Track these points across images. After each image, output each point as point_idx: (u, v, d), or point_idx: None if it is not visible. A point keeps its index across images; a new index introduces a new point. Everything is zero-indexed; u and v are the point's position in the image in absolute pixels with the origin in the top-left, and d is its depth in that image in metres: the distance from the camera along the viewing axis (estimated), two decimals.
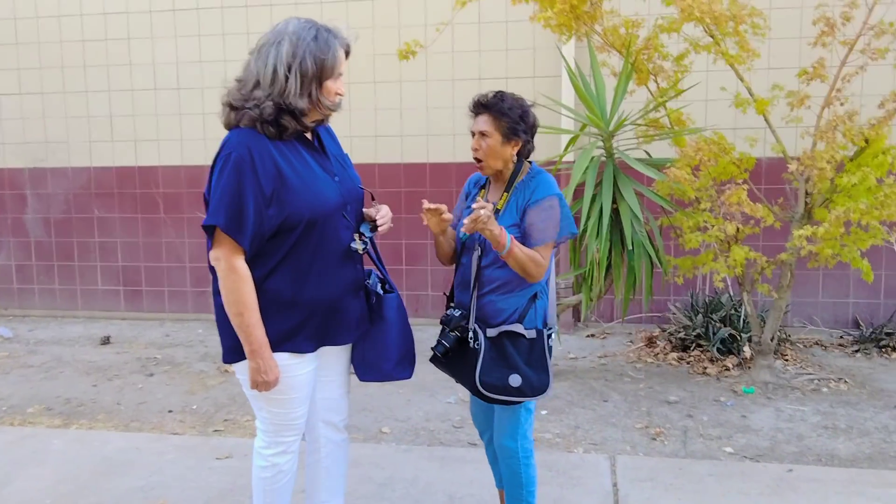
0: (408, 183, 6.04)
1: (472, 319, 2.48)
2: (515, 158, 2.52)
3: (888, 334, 5.30)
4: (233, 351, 2.29)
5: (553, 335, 2.56)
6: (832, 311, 5.69)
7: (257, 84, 2.16)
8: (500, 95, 2.50)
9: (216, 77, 6.17)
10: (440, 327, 2.54)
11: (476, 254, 2.50)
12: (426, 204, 2.38)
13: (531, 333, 2.46)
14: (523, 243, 2.39)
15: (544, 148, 5.57)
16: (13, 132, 6.64)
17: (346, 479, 2.64)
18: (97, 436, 3.93)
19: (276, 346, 2.23)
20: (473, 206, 2.27)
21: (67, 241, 6.67)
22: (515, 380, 2.41)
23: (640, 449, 3.65)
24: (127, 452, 3.68)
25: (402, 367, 2.48)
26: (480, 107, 2.49)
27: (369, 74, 5.98)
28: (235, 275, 2.16)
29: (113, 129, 6.47)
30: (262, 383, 2.25)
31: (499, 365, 2.42)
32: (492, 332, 2.45)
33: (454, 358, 2.50)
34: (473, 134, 2.50)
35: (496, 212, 2.49)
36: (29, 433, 3.97)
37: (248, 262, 2.18)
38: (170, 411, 4.32)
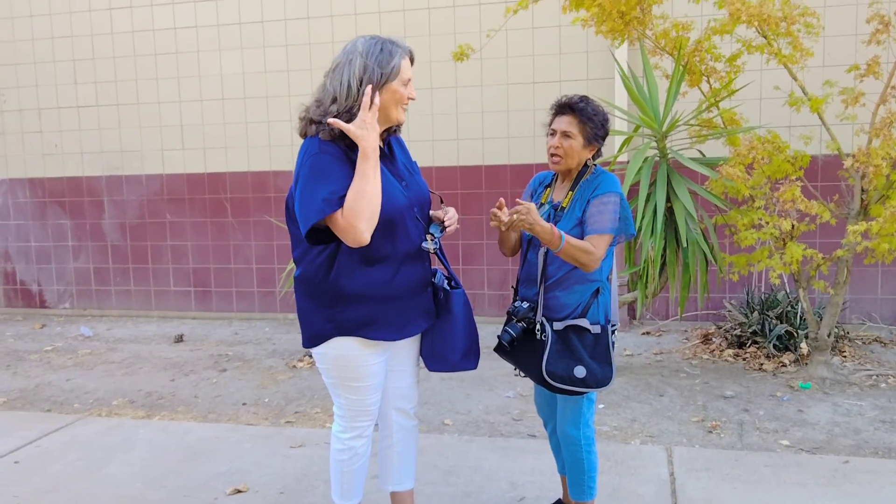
0: (464, 185, 6.21)
1: (539, 312, 2.62)
2: (590, 162, 2.65)
3: None
4: (311, 339, 2.49)
5: (616, 330, 2.68)
6: (891, 308, 5.66)
7: (334, 100, 2.35)
8: (586, 100, 2.62)
9: (280, 86, 6.54)
10: (498, 324, 2.69)
11: (542, 250, 2.64)
12: (501, 204, 2.49)
13: (596, 329, 2.59)
14: (581, 234, 2.53)
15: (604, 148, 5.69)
16: (91, 142, 7.03)
17: (416, 463, 2.82)
18: (178, 426, 4.20)
19: (354, 331, 2.42)
20: (516, 208, 2.40)
21: (142, 244, 7.03)
22: (580, 371, 2.55)
23: (697, 441, 3.75)
24: (207, 441, 3.93)
25: (468, 358, 2.64)
26: (567, 108, 2.61)
27: (426, 80, 6.17)
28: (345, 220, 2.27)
29: (184, 137, 6.81)
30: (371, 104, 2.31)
31: (565, 356, 2.56)
32: (558, 326, 2.59)
33: (519, 348, 2.65)
34: (554, 133, 2.62)
35: (562, 209, 2.64)
36: (116, 423, 4.26)
37: (328, 258, 2.38)
38: (244, 404, 4.57)
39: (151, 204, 6.96)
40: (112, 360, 5.67)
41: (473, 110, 6.18)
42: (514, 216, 2.41)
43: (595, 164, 2.67)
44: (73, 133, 7.06)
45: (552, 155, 2.61)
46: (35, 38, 7.04)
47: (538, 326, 2.58)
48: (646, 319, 6.12)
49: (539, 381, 2.59)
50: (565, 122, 2.57)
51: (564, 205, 2.63)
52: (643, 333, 5.90)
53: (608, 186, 2.58)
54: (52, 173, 7.14)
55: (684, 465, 3.43)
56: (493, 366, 4.85)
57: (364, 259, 2.43)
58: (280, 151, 6.59)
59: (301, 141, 2.45)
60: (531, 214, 2.41)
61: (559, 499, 2.95)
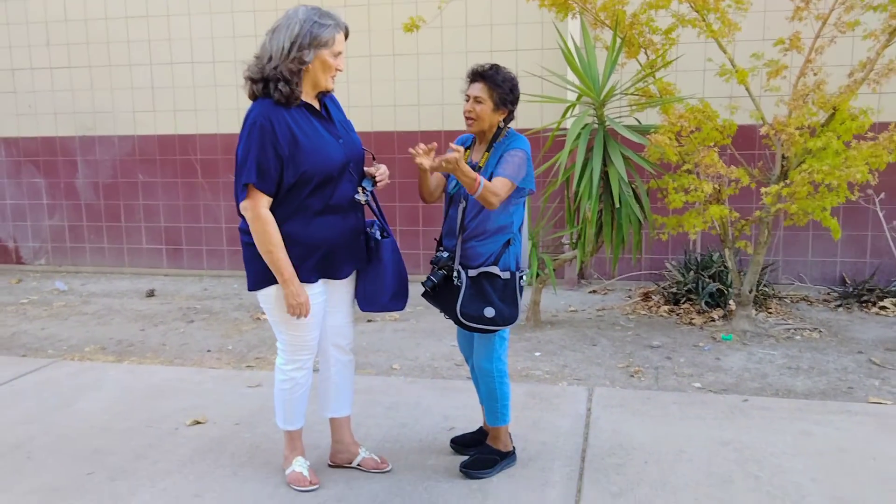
0: (401, 150, 6.48)
1: (456, 261, 2.95)
2: (502, 124, 2.95)
3: (870, 290, 5.67)
4: (255, 282, 2.81)
5: (524, 277, 3.02)
6: (820, 270, 6.06)
7: (270, 59, 2.65)
8: (495, 68, 2.92)
9: (249, 50, 6.69)
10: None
11: (461, 206, 2.97)
12: (420, 146, 2.78)
13: (506, 274, 2.92)
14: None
15: (550, 115, 6.00)
16: (64, 103, 7.23)
17: (352, 394, 3.16)
18: (146, 369, 4.52)
19: None
20: (447, 155, 2.69)
21: (115, 203, 7.28)
22: (490, 311, 2.89)
23: (618, 383, 4.13)
24: (172, 382, 4.26)
25: (396, 300, 2.98)
26: (477, 75, 2.91)
27: (388, 47, 6.42)
28: (261, 221, 2.67)
29: (154, 99, 7.03)
30: (297, 305, 2.73)
31: (477, 299, 2.90)
32: (472, 273, 2.92)
33: (441, 293, 2.98)
34: (468, 98, 2.93)
35: (478, 168, 2.95)
36: (88, 366, 4.58)
37: (270, 209, 2.69)
38: (208, 351, 4.89)
39: (124, 164, 7.20)
40: (85, 312, 5.97)
41: (434, 77, 6.44)
42: (444, 163, 2.67)
43: (509, 128, 2.98)
44: (47, 94, 7.25)
45: (467, 118, 2.92)
46: (8, 0, 7.19)
47: (455, 273, 2.91)
48: (593, 279, 6.49)
49: (456, 321, 2.93)
50: (477, 89, 2.88)
51: (481, 164, 2.95)
52: (590, 292, 6.27)
53: (518, 144, 2.90)
54: (27, 133, 7.35)
55: (601, 402, 3.81)
56: (444, 319, 5.21)
57: (302, 210, 2.74)
58: None
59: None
60: (458, 162, 2.69)
61: (480, 426, 3.32)
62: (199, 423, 3.66)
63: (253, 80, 2.70)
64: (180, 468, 3.19)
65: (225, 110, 6.89)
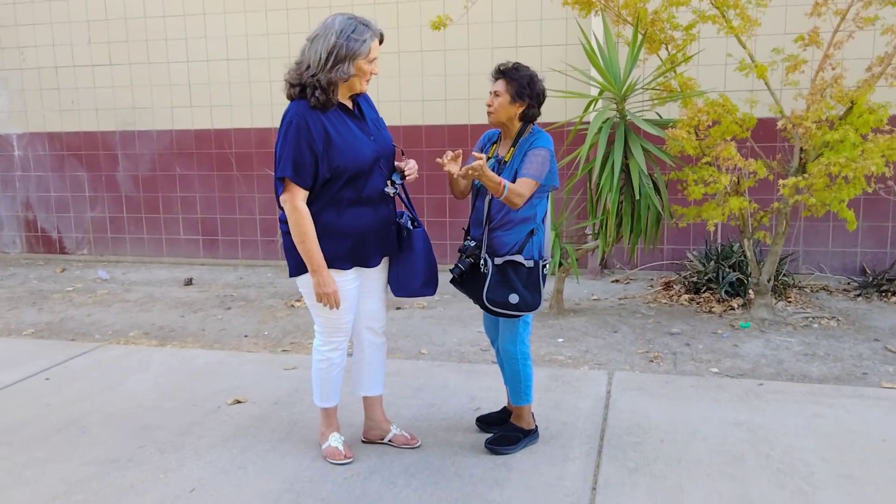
0: (451, 143, 6.68)
1: (483, 250, 3.14)
2: (520, 118, 3.13)
3: (889, 280, 5.76)
4: (295, 268, 3.02)
5: (547, 265, 3.20)
6: (841, 260, 6.15)
7: (308, 67, 2.85)
8: (515, 65, 3.12)
9: (281, 48, 6.99)
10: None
11: (488, 198, 3.15)
12: (448, 154, 3.00)
13: (529, 263, 3.11)
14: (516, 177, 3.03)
15: (574, 110, 6.15)
16: (105, 99, 7.53)
17: (384, 374, 3.37)
18: (187, 353, 4.77)
19: (330, 263, 2.94)
20: (471, 163, 2.90)
21: (153, 195, 7.57)
22: (514, 298, 3.07)
23: (638, 368, 4.29)
24: (212, 365, 4.50)
25: (427, 286, 3.17)
26: (499, 73, 3.13)
27: (416, 44, 6.61)
28: (298, 213, 2.88)
29: (191, 95, 7.29)
30: (325, 295, 2.95)
31: (502, 286, 3.09)
32: (498, 261, 3.11)
33: (468, 280, 3.17)
34: (491, 94, 3.14)
35: (504, 162, 3.14)
36: (133, 350, 4.84)
37: (308, 201, 2.90)
38: (245, 336, 5.14)
39: (162, 158, 7.48)
40: (128, 300, 6.25)
41: (460, 73, 6.62)
42: (470, 171, 2.89)
43: (534, 125, 3.16)
44: (89, 90, 7.55)
45: (487, 111, 3.12)
46: (52, 0, 7.49)
47: (482, 261, 3.10)
48: (616, 269, 6.64)
49: (482, 306, 3.12)
50: (496, 85, 3.08)
51: (507, 159, 3.13)
52: (612, 281, 6.43)
53: (542, 143, 3.08)
54: (70, 128, 7.66)
55: (621, 385, 3.98)
56: (470, 307, 5.42)
57: (336, 202, 2.95)
58: (281, 110, 6.92)
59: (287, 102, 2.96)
60: (483, 169, 2.90)
61: (504, 406, 3.51)
62: (239, 402, 3.89)
63: (291, 84, 2.91)
64: (224, 443, 3.42)
65: (259, 105, 7.13)
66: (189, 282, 6.77)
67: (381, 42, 2.94)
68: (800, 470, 3.03)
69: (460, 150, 3.03)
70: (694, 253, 6.12)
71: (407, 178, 3.07)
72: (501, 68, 3.09)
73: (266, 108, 7.11)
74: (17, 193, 7.95)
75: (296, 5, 6.88)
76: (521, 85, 3.06)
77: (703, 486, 2.91)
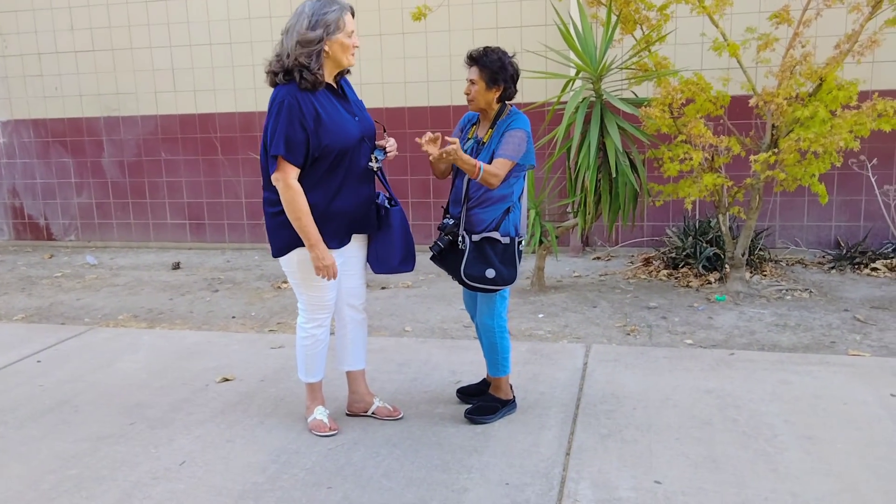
0: (434, 125, 6.77)
1: (461, 227, 3.25)
2: (498, 100, 3.23)
3: (862, 252, 5.91)
4: (280, 249, 3.12)
5: (523, 242, 3.31)
6: (816, 234, 6.30)
7: (289, 55, 2.94)
8: (485, 51, 3.21)
9: (264, 32, 7.05)
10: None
11: (466, 178, 3.25)
12: (427, 135, 3.10)
13: (505, 239, 3.22)
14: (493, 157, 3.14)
15: (554, 89, 6.25)
16: (89, 85, 7.56)
17: (366, 349, 3.48)
18: (176, 334, 4.87)
19: None
20: (446, 148, 3.01)
21: (139, 181, 7.63)
22: (490, 273, 3.19)
23: (615, 341, 4.43)
24: (201, 345, 4.61)
25: (405, 263, 3.28)
26: (471, 59, 3.22)
27: (398, 26, 6.67)
28: (291, 190, 2.96)
29: (175, 80, 7.34)
30: (323, 268, 3.03)
31: (479, 262, 3.20)
32: (476, 238, 3.22)
33: (447, 256, 3.28)
34: (467, 81, 3.23)
35: (483, 143, 3.24)
36: (123, 332, 4.94)
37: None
38: (233, 317, 5.24)
39: (147, 143, 7.53)
40: (116, 284, 6.33)
41: (442, 54, 6.69)
42: (444, 155, 3.00)
43: (511, 106, 3.26)
44: (72, 76, 7.58)
45: (467, 99, 3.21)
46: None
47: (460, 238, 3.21)
48: (597, 246, 6.76)
49: (460, 281, 3.23)
50: (471, 72, 3.17)
51: (485, 140, 3.23)
52: (594, 258, 6.56)
53: (518, 124, 3.18)
54: (54, 114, 7.69)
55: (598, 357, 4.11)
56: (453, 286, 5.53)
57: (324, 181, 3.04)
58: (264, 93, 7.10)
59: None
60: (457, 153, 3.00)
61: (484, 378, 3.64)
62: (227, 380, 4.00)
63: (275, 73, 2.99)
64: (213, 418, 3.54)
65: (242, 90, 7.18)
66: (177, 266, 6.86)
67: (353, 16, 3.03)
68: (764, 433, 3.17)
69: (439, 133, 3.12)
70: (673, 229, 6.25)
71: (388, 154, 3.17)
72: (473, 55, 3.17)
73: (250, 93, 7.16)
74: (2, 181, 7.99)
75: None
76: (494, 70, 3.15)
77: (671, 450, 3.05)
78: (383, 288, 5.76)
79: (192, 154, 7.43)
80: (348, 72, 3.18)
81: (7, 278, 6.66)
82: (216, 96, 7.27)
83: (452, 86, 6.70)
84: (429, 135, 3.09)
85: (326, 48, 2.94)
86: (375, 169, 3.16)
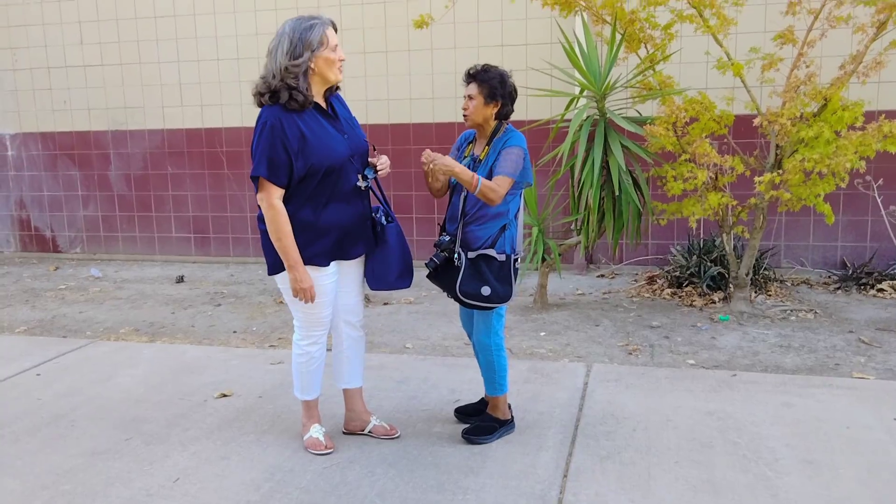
0: (439, 141, 6.77)
1: (457, 244, 3.23)
2: (495, 117, 3.23)
3: (868, 273, 5.86)
4: (274, 266, 3.12)
5: (519, 259, 3.30)
6: (821, 254, 6.25)
7: (274, 76, 2.95)
8: (485, 67, 3.21)
9: None
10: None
11: (463, 195, 3.25)
12: (427, 153, 3.11)
13: (501, 257, 3.20)
14: (491, 175, 3.13)
15: (559, 107, 6.24)
16: (97, 99, 7.61)
17: (363, 367, 3.46)
18: (177, 348, 4.87)
19: (307, 260, 3.04)
20: (422, 159, 3.03)
21: (145, 194, 7.66)
22: (486, 290, 3.17)
23: (616, 360, 4.39)
24: (201, 360, 4.60)
25: (402, 278, 3.27)
26: (470, 76, 3.23)
27: (404, 43, 6.69)
28: (273, 210, 2.97)
29: (182, 95, 7.38)
30: (301, 290, 3.05)
31: (474, 279, 3.18)
32: (472, 255, 3.20)
33: (443, 273, 3.27)
34: (465, 97, 3.24)
35: (479, 161, 3.23)
36: (123, 346, 4.93)
37: (283, 200, 2.99)
38: (234, 332, 5.23)
39: (154, 157, 7.57)
40: (119, 297, 6.34)
41: (448, 71, 6.71)
42: (426, 167, 3.01)
43: (507, 125, 3.25)
44: (81, 90, 7.63)
45: (463, 115, 3.21)
46: (43, 1, 7.57)
47: (456, 255, 3.20)
48: (601, 264, 6.73)
49: (455, 298, 3.21)
50: (469, 88, 3.18)
51: (481, 157, 3.22)
52: (598, 276, 6.52)
53: (515, 141, 3.17)
54: (62, 128, 7.74)
55: (598, 377, 4.08)
56: (454, 302, 5.50)
57: (313, 198, 3.04)
58: None
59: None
60: (436, 162, 3.01)
61: (482, 397, 3.61)
62: (225, 395, 3.98)
63: (261, 94, 3.00)
64: (209, 435, 3.52)
65: (249, 105, 7.20)
66: (180, 279, 6.86)
67: (335, 31, 3.03)
68: (765, 456, 3.12)
69: (429, 151, 3.13)
70: (677, 248, 6.21)
71: (379, 172, 3.16)
72: (471, 72, 3.18)
73: (256, 108, 7.17)
74: (10, 193, 8.04)
75: (285, 5, 6.96)
76: (493, 86, 3.16)
77: (670, 472, 3.01)
78: (385, 304, 5.75)
79: (198, 168, 7.46)
80: (338, 88, 3.18)
81: (11, 290, 6.68)
82: (223, 111, 7.31)
83: (457, 103, 6.69)
84: (428, 152, 3.10)
85: (312, 65, 2.96)
86: (363, 188, 3.15)
